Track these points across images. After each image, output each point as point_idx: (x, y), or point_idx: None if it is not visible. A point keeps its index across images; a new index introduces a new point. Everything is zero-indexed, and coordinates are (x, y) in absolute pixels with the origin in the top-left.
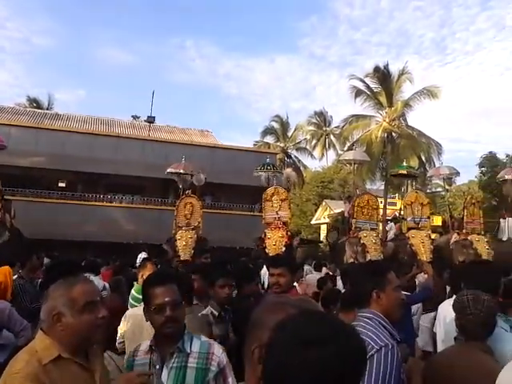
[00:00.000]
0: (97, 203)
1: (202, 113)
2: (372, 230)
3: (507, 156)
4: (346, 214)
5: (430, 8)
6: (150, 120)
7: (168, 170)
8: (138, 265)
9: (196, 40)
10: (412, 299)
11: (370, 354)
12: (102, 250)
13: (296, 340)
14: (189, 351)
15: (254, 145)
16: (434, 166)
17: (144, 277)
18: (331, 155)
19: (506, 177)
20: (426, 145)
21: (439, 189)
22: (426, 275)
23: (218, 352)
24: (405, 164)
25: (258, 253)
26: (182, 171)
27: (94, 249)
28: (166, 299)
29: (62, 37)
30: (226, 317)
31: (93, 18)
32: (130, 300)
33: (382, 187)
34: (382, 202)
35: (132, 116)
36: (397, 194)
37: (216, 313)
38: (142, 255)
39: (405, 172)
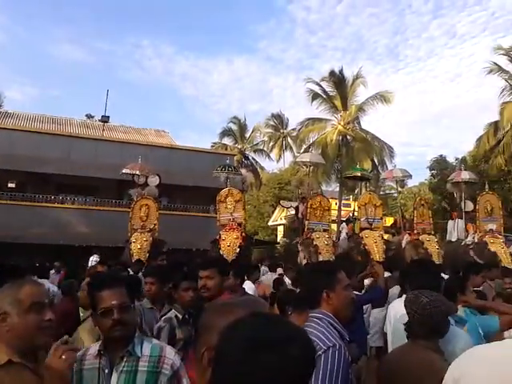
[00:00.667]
0: (48, 204)
1: (158, 113)
2: (324, 230)
3: (456, 159)
4: (299, 215)
5: (384, 15)
6: (105, 119)
7: (123, 171)
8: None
9: (152, 39)
10: (362, 299)
11: (317, 354)
12: (53, 252)
13: (248, 343)
14: (139, 355)
15: (212, 146)
16: (387, 168)
17: None
18: (288, 157)
19: (455, 179)
20: (378, 148)
21: (392, 191)
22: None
23: (171, 355)
24: (358, 166)
25: (214, 254)
26: (137, 172)
27: (45, 251)
28: (114, 302)
29: (13, 33)
30: (191, 320)
31: (46, 14)
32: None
33: (338, 189)
34: (336, 204)
35: (86, 115)
36: (351, 196)
37: (180, 316)
38: (94, 258)
39: (358, 174)
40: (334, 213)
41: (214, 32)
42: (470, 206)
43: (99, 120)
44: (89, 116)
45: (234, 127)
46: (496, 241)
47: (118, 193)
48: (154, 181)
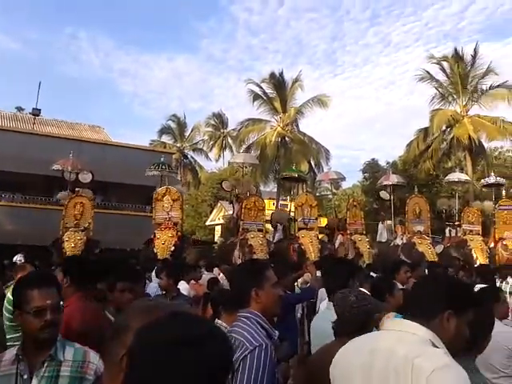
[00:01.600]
0: None
1: (94, 109)
2: (259, 230)
3: (387, 163)
4: (234, 215)
5: (323, 20)
6: (36, 113)
7: (53, 167)
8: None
9: (90, 31)
10: (293, 298)
11: (244, 354)
12: None
13: (164, 342)
14: (62, 359)
15: (151, 144)
16: (323, 170)
17: None
18: (228, 157)
19: (384, 182)
20: (315, 150)
21: (327, 192)
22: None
23: (95, 359)
24: (294, 167)
25: (147, 254)
26: (68, 168)
27: None
28: (48, 302)
29: None
30: None
31: None
32: (6, 304)
33: (275, 189)
34: (274, 204)
35: (16, 108)
36: (288, 197)
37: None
38: (18, 257)
39: (295, 175)
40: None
41: (155, 27)
42: (385, 195)
43: (30, 113)
44: (19, 109)
45: (173, 125)
46: (423, 242)
47: (47, 189)
48: (86, 177)
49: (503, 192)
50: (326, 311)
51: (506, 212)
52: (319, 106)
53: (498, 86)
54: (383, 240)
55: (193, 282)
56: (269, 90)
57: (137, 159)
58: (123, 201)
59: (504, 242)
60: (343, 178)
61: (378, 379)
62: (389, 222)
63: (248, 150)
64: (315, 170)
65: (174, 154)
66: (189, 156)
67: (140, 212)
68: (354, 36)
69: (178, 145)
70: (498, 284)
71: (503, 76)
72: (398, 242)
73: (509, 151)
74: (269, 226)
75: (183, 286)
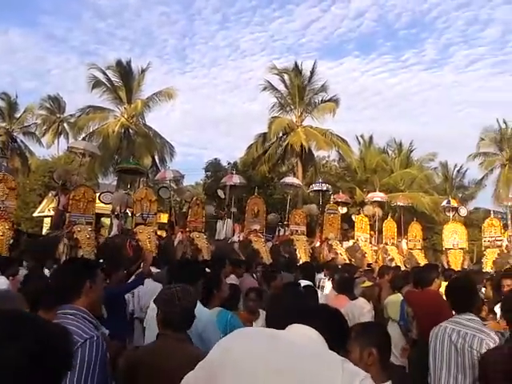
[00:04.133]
0: None
1: None
2: (88, 224)
3: (229, 163)
4: (60, 207)
5: (174, 16)
6: None
7: None
8: None
9: None
10: (126, 288)
11: (75, 346)
12: None
13: None
14: None
15: None
16: (167, 165)
17: None
18: (63, 144)
19: (228, 182)
20: (160, 145)
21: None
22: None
23: None
24: (132, 160)
25: None
26: None
27: None
28: None
29: None
30: None
31: None
32: None
33: (115, 182)
34: None
35: None
36: (128, 190)
37: None
38: None
39: (132, 167)
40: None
41: None
42: (222, 194)
43: None
44: None
45: (2, 104)
46: (259, 240)
47: None
48: None
49: (331, 197)
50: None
51: (331, 216)
52: (166, 99)
53: (329, 100)
54: (221, 237)
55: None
56: (114, 78)
57: None
58: None
59: (329, 242)
60: (181, 177)
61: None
62: (229, 220)
63: (88, 138)
64: (159, 166)
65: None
66: (18, 140)
67: None
68: (204, 36)
69: (7, 126)
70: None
71: (334, 92)
72: (235, 239)
73: (334, 161)
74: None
75: (2, 281)
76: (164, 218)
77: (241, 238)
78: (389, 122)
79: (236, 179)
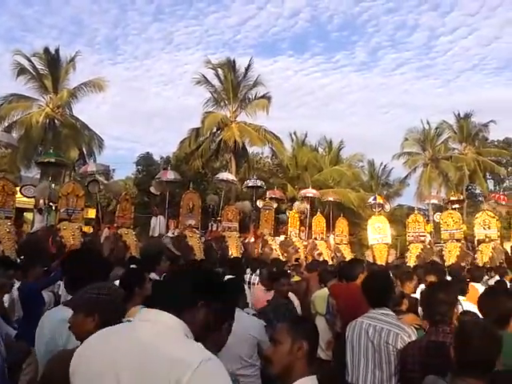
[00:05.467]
0: None
1: None
2: (7, 218)
3: (161, 158)
4: None
5: (106, 4)
6: None
7: None
8: None
9: None
10: (42, 284)
11: None
12: None
13: None
14: None
15: None
16: (95, 159)
17: None
18: None
19: (163, 178)
20: (88, 138)
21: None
22: None
23: None
24: (52, 151)
25: None
26: None
27: None
28: None
29: None
30: None
31: None
32: None
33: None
34: None
35: None
36: (52, 183)
37: None
38: None
39: (53, 160)
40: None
41: None
42: (155, 190)
43: None
44: None
45: None
46: (194, 235)
47: None
48: None
49: (267, 193)
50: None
51: (267, 212)
52: (95, 90)
53: (262, 96)
54: (156, 234)
55: None
56: (40, 66)
57: None
58: None
59: (265, 238)
60: (106, 171)
61: (130, 376)
62: (161, 217)
63: (9, 129)
64: (87, 158)
65: None
66: None
67: None
68: (137, 27)
69: None
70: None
71: (268, 89)
72: (170, 235)
73: (268, 157)
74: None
75: None
76: (92, 213)
77: (176, 234)
78: (320, 121)
79: (171, 175)
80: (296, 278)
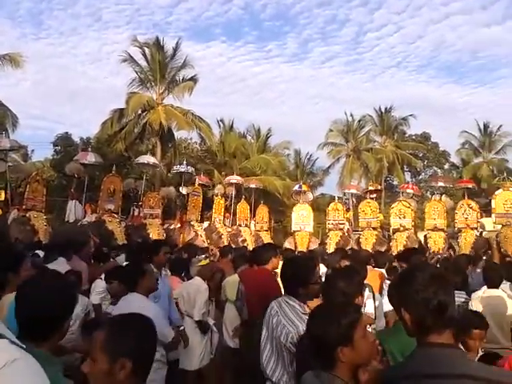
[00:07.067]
0: None
1: None
2: None
3: (81, 139)
4: None
5: None
6: None
7: None
8: None
9: None
10: None
11: None
12: None
13: None
14: None
15: None
16: (9, 136)
17: None
18: None
19: (82, 160)
20: (1, 114)
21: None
22: None
23: None
24: None
25: None
26: None
27: None
28: None
29: None
30: None
31: None
32: None
33: None
34: None
35: None
36: None
37: None
38: None
39: None
40: None
41: None
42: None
43: None
44: None
45: None
46: (113, 220)
47: None
48: None
49: (196, 180)
50: None
51: (195, 198)
52: (12, 65)
53: (190, 79)
54: (71, 219)
55: None
56: None
57: None
58: None
59: (192, 223)
60: (18, 147)
61: None
62: (77, 201)
63: None
64: None
65: None
66: None
67: None
68: (63, 2)
69: None
70: None
71: (199, 73)
72: (86, 220)
73: (196, 143)
74: None
75: None
76: (1, 195)
77: (93, 219)
78: (251, 109)
79: (92, 157)
80: (203, 262)
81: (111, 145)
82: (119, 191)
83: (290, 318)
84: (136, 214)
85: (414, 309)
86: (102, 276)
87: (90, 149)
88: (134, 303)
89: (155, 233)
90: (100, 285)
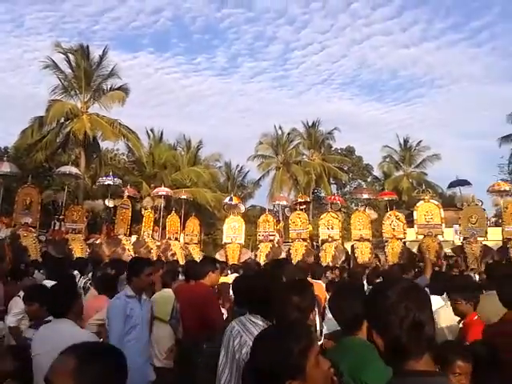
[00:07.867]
0: None
1: None
2: None
3: None
4: None
5: None
6: None
7: None
8: None
9: None
10: None
11: None
12: None
13: None
14: None
15: None
16: None
17: None
18: None
19: None
20: None
21: None
22: None
23: None
24: None
25: None
26: None
27: None
28: None
29: None
30: None
31: None
32: None
33: None
34: None
35: None
36: None
37: None
38: None
39: None
40: None
41: None
42: None
43: None
44: None
45: None
46: (29, 234)
47: None
48: None
49: (124, 192)
50: None
51: (124, 211)
52: None
53: (118, 88)
54: None
55: None
56: None
57: None
58: None
59: (119, 237)
60: None
61: None
62: None
63: None
64: None
65: None
66: None
67: None
68: None
69: None
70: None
71: (124, 82)
72: (2, 235)
73: (123, 154)
74: None
75: None
76: None
77: (8, 233)
78: (180, 121)
79: (7, 167)
80: None
81: (30, 155)
82: (37, 203)
83: (247, 328)
84: (57, 227)
85: (385, 331)
86: (21, 293)
87: (5, 158)
88: (65, 333)
89: (78, 248)
90: (18, 305)
